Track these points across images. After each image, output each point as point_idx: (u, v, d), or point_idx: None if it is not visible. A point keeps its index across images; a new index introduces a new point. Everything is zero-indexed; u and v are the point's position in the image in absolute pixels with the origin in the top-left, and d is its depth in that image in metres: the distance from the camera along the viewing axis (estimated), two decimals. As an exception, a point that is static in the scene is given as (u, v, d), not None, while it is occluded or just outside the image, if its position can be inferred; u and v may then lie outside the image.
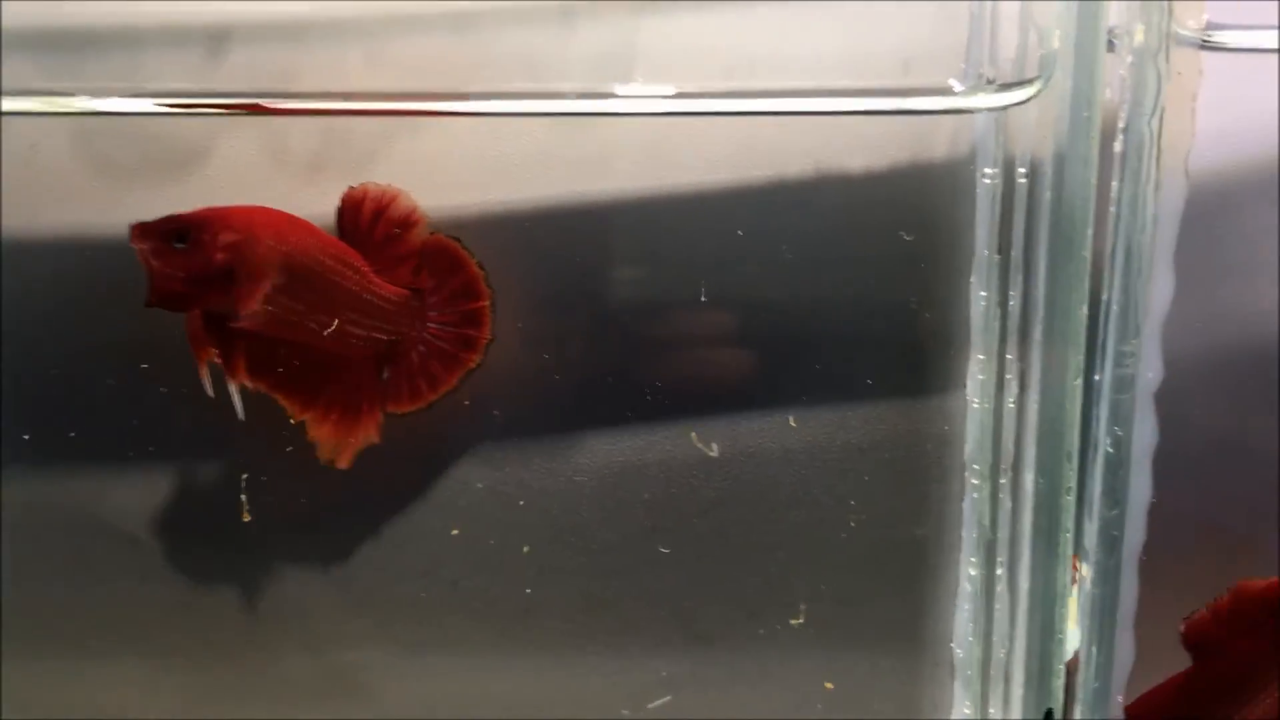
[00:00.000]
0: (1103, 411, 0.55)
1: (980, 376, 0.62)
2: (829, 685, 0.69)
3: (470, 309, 0.62)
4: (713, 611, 0.67)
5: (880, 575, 0.67)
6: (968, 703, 0.66)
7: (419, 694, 0.68)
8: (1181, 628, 0.59)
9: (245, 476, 0.64)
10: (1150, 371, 0.54)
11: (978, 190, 0.61)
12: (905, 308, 0.63)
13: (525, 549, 0.66)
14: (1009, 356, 0.60)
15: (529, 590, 0.67)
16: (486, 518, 0.66)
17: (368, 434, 0.62)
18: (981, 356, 0.62)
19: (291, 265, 0.56)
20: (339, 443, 0.61)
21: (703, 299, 0.63)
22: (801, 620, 0.67)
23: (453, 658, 0.68)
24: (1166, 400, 0.55)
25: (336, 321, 0.58)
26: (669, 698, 0.69)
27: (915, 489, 0.65)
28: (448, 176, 0.63)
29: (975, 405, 0.63)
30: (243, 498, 0.65)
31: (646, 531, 0.66)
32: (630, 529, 0.66)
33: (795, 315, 0.63)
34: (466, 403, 0.64)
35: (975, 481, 0.63)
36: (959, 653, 0.66)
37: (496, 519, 0.66)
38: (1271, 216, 0.58)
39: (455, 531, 0.66)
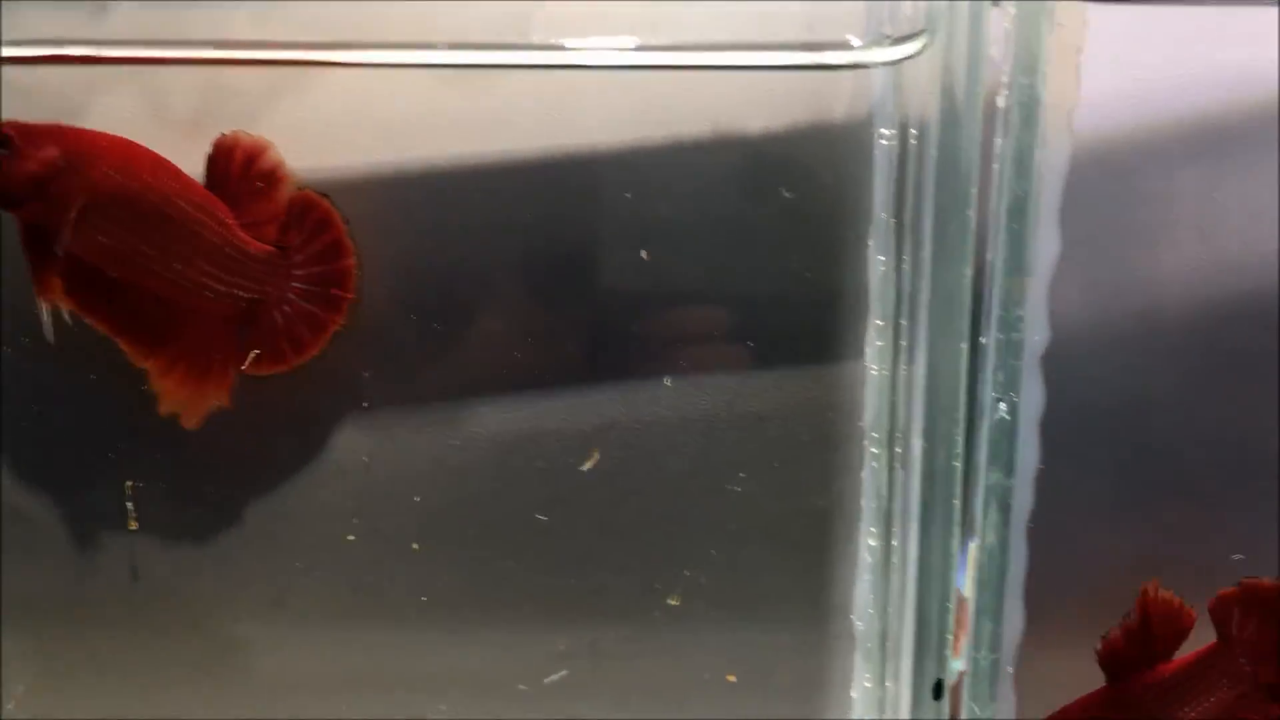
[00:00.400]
0: (991, 377, 0.54)
1: (879, 343, 0.61)
2: (731, 678, 0.68)
3: (336, 268, 0.59)
4: (610, 583, 0.66)
5: (781, 546, 0.65)
6: (868, 675, 0.65)
7: (306, 669, 0.66)
8: (1098, 647, 0.60)
9: (129, 483, 0.63)
10: (1037, 335, 0.53)
11: (875, 152, 0.60)
12: (804, 273, 0.62)
13: (415, 521, 0.65)
14: (903, 322, 0.59)
15: (420, 563, 0.65)
16: (373, 489, 0.64)
17: (217, 394, 0.60)
18: (880, 322, 0.61)
19: (132, 200, 0.54)
20: (186, 399, 0.59)
21: (595, 263, 0.61)
22: (701, 592, 0.66)
23: (342, 632, 0.66)
24: (1053, 364, 0.54)
25: (187, 269, 0.56)
26: (566, 671, 0.68)
27: (815, 458, 0.64)
28: (335, 136, 0.61)
29: (874, 372, 0.61)
30: (128, 493, 0.63)
31: (541, 502, 0.65)
32: (523, 500, 0.65)
33: (692, 280, 0.62)
34: (354, 371, 0.62)
35: (874, 450, 0.62)
36: (859, 625, 0.65)
37: (384, 490, 0.64)
38: (1159, 180, 0.57)
39: (341, 503, 0.64)
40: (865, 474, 0.63)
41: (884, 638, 0.64)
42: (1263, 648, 0.60)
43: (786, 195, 0.59)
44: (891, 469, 0.61)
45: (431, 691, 0.67)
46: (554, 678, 0.68)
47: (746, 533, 0.65)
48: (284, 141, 0.59)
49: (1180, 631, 0.61)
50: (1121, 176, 0.56)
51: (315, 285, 0.60)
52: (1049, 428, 0.55)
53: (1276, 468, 0.60)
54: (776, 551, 0.65)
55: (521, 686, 0.67)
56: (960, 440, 0.54)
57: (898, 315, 0.60)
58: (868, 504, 0.63)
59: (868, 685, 0.65)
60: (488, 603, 0.66)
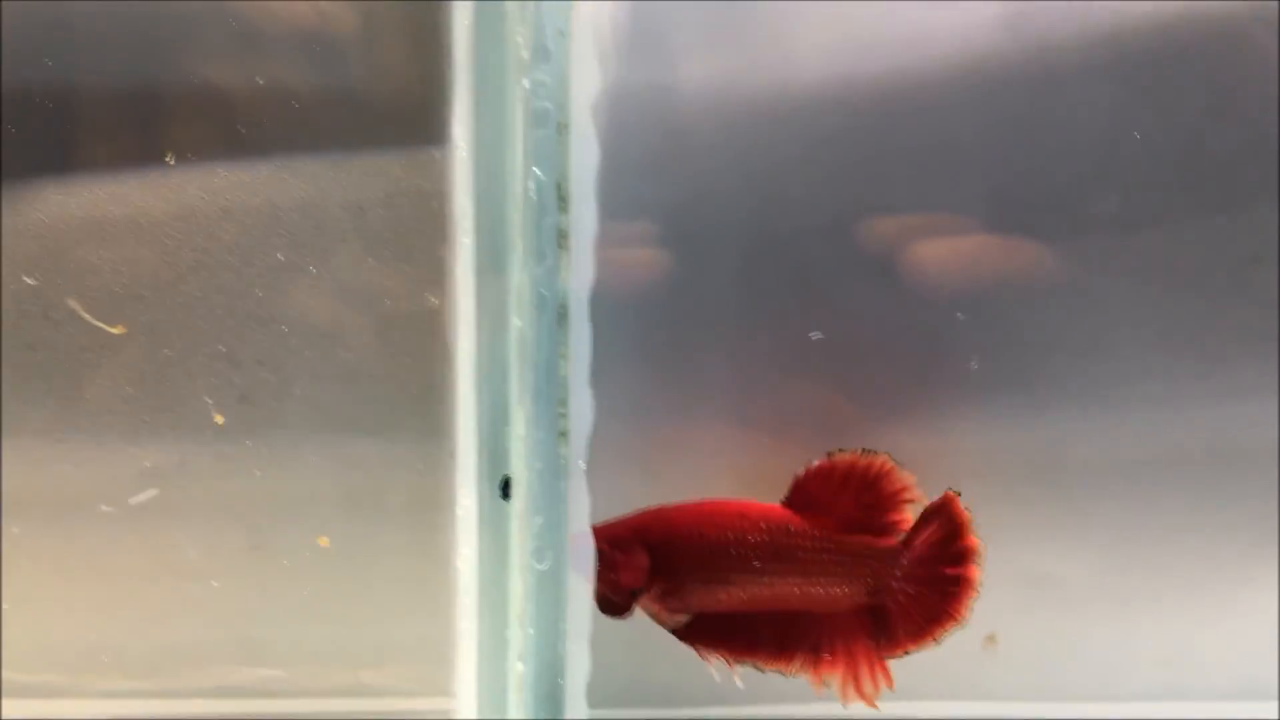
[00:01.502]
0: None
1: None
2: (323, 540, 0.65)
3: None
4: (196, 399, 0.63)
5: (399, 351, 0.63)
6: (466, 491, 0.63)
7: None
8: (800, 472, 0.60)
9: None
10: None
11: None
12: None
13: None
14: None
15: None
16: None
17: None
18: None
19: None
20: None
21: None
22: (308, 404, 0.63)
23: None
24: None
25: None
26: (155, 491, 0.63)
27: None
28: None
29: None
30: None
31: (118, 299, 0.61)
32: (100, 298, 0.61)
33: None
34: None
35: (465, 241, 0.60)
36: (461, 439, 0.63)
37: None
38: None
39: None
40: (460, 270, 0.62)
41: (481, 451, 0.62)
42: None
43: None
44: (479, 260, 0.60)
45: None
46: (141, 497, 0.63)
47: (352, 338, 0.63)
48: None
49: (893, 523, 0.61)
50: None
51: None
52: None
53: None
54: (397, 358, 0.63)
55: (105, 508, 0.63)
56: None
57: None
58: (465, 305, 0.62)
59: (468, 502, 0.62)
60: (65, 417, 0.62)
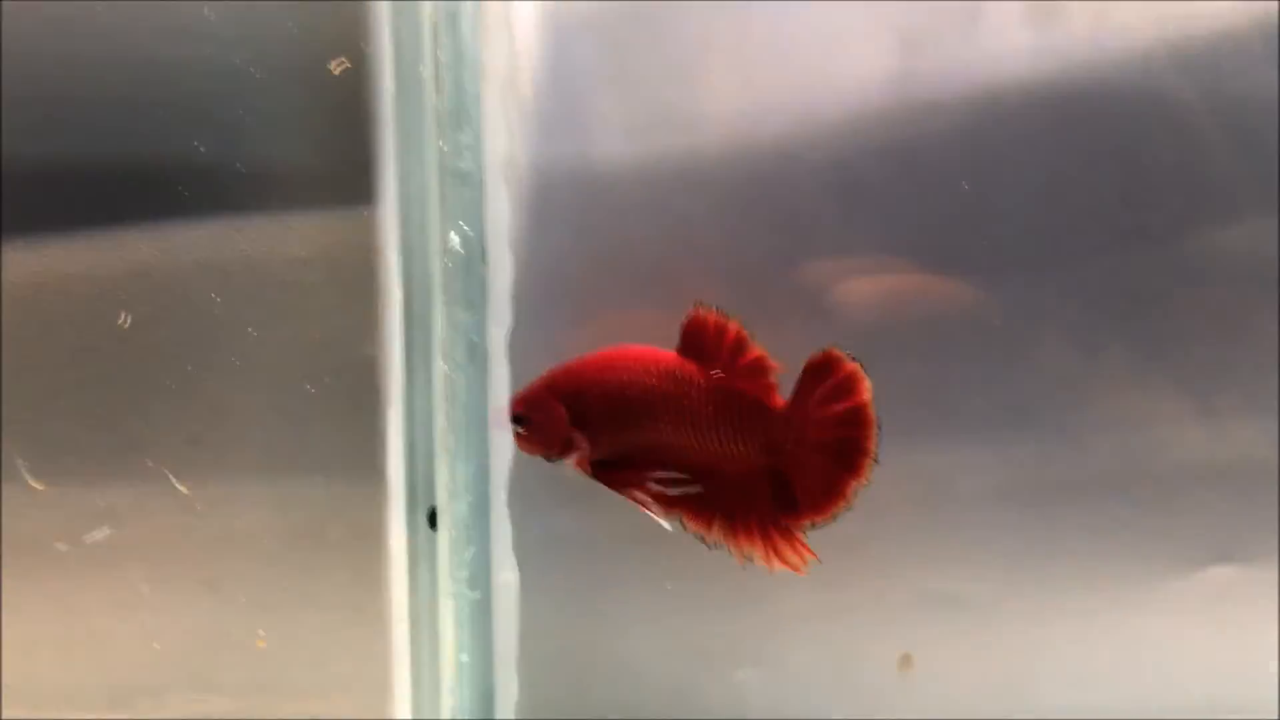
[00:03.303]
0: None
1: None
2: (261, 643, 0.68)
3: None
4: (156, 437, 0.67)
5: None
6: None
7: None
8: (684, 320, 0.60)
9: None
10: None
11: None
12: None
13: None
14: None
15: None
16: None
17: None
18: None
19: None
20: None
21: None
22: (249, 444, 0.67)
23: None
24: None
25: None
26: (109, 529, 0.67)
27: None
28: None
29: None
30: None
31: (74, 351, 0.66)
32: (57, 350, 0.65)
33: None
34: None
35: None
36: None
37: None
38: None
39: None
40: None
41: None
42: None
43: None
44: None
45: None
46: (95, 535, 0.67)
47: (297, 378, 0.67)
48: None
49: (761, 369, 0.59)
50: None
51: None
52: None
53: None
54: (327, 399, 0.67)
55: (60, 546, 0.66)
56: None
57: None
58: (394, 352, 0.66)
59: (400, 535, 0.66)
60: (21, 457, 0.66)
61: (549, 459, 0.61)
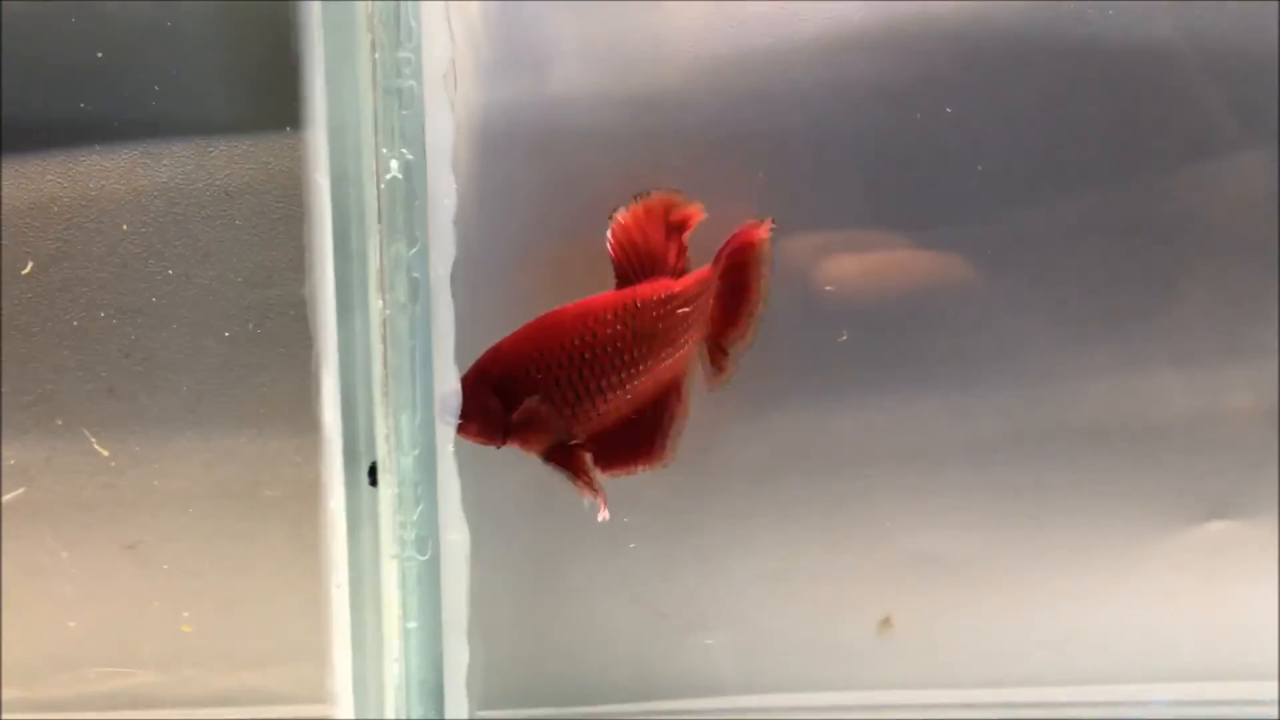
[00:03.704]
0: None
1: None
2: (186, 627, 0.63)
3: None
4: (67, 388, 0.61)
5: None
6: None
7: None
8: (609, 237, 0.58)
9: None
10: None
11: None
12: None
13: None
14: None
15: None
16: None
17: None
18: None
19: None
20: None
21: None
22: (182, 394, 0.61)
23: None
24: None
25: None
26: (23, 489, 0.61)
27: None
28: None
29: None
30: None
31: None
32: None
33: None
34: None
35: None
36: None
37: None
38: None
39: None
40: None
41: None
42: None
43: None
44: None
45: None
46: (8, 496, 0.61)
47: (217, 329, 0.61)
48: None
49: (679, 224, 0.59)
50: None
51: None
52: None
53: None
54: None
55: (-36, 508, 0.61)
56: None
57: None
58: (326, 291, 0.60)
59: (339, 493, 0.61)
60: (-76, 410, 0.60)
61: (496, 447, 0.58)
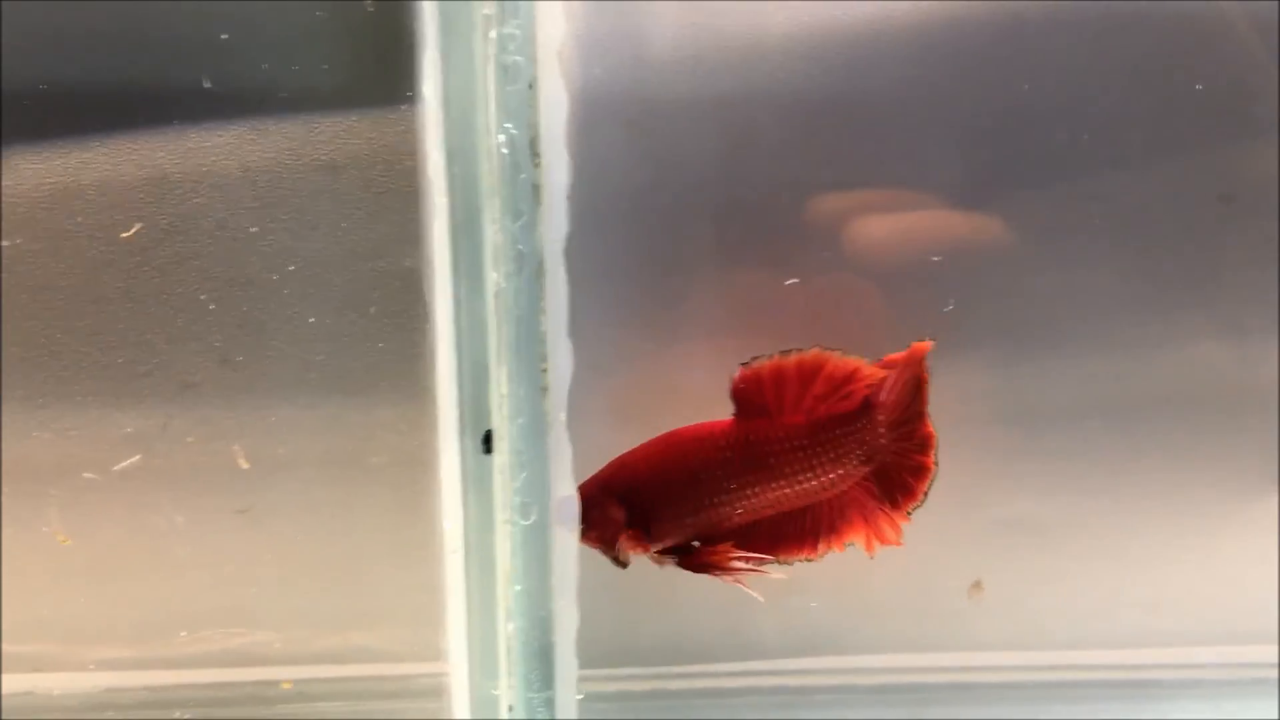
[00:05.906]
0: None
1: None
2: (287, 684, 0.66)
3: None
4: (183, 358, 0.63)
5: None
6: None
7: None
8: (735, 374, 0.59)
9: None
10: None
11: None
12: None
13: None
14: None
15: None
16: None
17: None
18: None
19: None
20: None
21: None
22: (288, 361, 0.63)
23: None
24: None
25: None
26: (138, 457, 0.63)
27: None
28: None
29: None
30: None
31: (87, 266, 0.60)
32: (68, 265, 0.60)
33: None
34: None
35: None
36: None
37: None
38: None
39: None
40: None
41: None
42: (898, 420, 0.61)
43: None
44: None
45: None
46: (125, 464, 0.63)
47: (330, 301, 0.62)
48: None
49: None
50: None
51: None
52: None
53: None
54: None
55: (88, 475, 0.63)
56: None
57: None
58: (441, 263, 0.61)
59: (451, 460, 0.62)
60: (46, 385, 0.62)
61: (613, 558, 0.62)
